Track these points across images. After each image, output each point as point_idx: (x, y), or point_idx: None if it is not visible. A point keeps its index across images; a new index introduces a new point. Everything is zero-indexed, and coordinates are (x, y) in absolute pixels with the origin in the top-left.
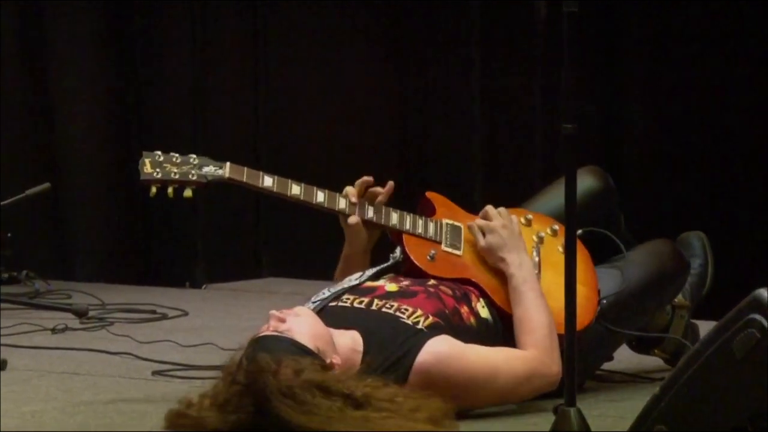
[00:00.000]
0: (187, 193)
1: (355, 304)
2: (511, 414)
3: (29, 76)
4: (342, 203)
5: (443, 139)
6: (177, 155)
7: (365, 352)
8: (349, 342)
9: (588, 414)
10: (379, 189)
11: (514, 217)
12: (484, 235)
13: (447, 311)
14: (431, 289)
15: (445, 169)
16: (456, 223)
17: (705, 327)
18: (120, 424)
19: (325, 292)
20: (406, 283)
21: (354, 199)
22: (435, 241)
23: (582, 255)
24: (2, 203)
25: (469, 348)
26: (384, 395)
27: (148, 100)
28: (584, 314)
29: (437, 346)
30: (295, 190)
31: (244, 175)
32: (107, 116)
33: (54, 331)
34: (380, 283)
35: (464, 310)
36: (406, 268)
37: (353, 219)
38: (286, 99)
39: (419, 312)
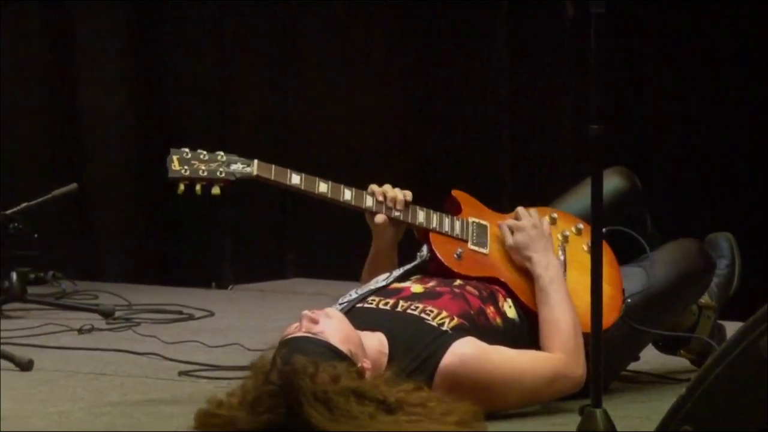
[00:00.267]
0: (215, 190)
1: (381, 306)
2: (537, 414)
3: (56, 77)
4: (369, 201)
5: (470, 139)
6: (204, 152)
7: (391, 354)
8: (376, 344)
9: (614, 415)
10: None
11: (545, 219)
12: (512, 233)
13: (472, 312)
14: (457, 290)
15: (472, 168)
16: (482, 222)
17: (732, 328)
18: (146, 425)
19: (353, 294)
20: (432, 284)
21: (381, 198)
22: (462, 240)
23: (607, 254)
24: (29, 204)
25: (494, 350)
26: (416, 400)
27: (175, 100)
28: (608, 313)
29: (463, 348)
30: (323, 187)
31: (272, 172)
32: (134, 117)
33: (81, 331)
34: (406, 284)
35: (490, 310)
36: (433, 267)
37: (380, 217)
38: (312, 96)
39: (444, 313)
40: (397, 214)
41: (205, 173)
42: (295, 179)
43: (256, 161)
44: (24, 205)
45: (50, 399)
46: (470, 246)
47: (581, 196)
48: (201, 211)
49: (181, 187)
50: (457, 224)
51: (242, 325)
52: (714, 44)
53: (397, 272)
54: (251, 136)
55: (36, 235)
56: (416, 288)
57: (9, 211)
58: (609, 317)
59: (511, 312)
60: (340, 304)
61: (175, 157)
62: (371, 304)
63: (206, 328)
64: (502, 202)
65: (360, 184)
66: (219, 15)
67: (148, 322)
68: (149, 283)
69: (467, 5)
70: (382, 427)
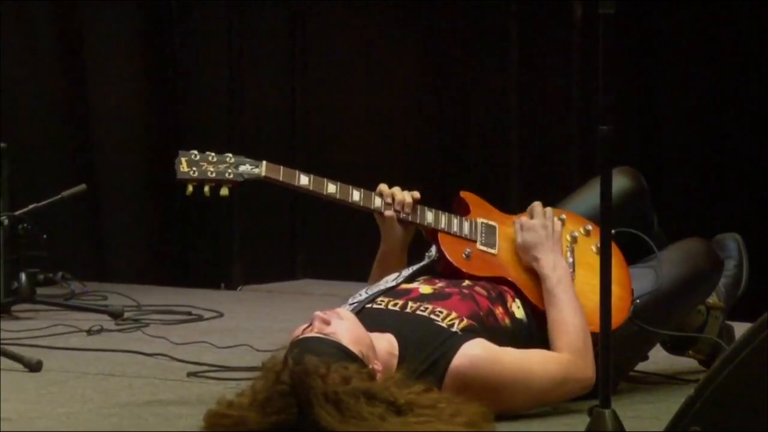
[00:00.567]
0: (224, 191)
1: (390, 307)
2: (545, 415)
3: (65, 78)
4: (377, 202)
5: (480, 138)
6: (213, 154)
7: (401, 356)
8: (386, 345)
9: (623, 415)
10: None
11: (558, 221)
12: (522, 231)
13: (481, 313)
14: (466, 291)
15: (480, 168)
16: (491, 222)
17: (740, 328)
18: (155, 426)
19: (362, 294)
20: (440, 284)
21: (389, 200)
22: (470, 240)
23: (615, 255)
24: (38, 205)
25: (504, 351)
26: (426, 401)
27: (185, 100)
28: (617, 314)
29: (472, 350)
30: (331, 188)
31: (281, 173)
32: (143, 118)
33: (89, 332)
34: (415, 285)
35: (499, 311)
36: (441, 267)
37: (389, 213)
38: (322, 94)
39: (454, 314)
40: (405, 215)
41: (214, 174)
42: (304, 180)
43: (264, 162)
44: (33, 206)
45: (59, 400)
46: (479, 246)
47: (588, 197)
48: (210, 212)
49: (190, 188)
50: (466, 225)
51: (251, 326)
52: (724, 44)
53: (405, 272)
54: (260, 135)
55: (45, 236)
56: (425, 289)
57: (18, 212)
58: (618, 318)
59: (519, 312)
60: (350, 304)
61: (183, 159)
62: (380, 305)
63: (215, 328)
64: (510, 202)
65: (368, 184)
66: (228, 14)
67: (157, 323)
68: (158, 283)
69: (476, 6)
70: (391, 428)
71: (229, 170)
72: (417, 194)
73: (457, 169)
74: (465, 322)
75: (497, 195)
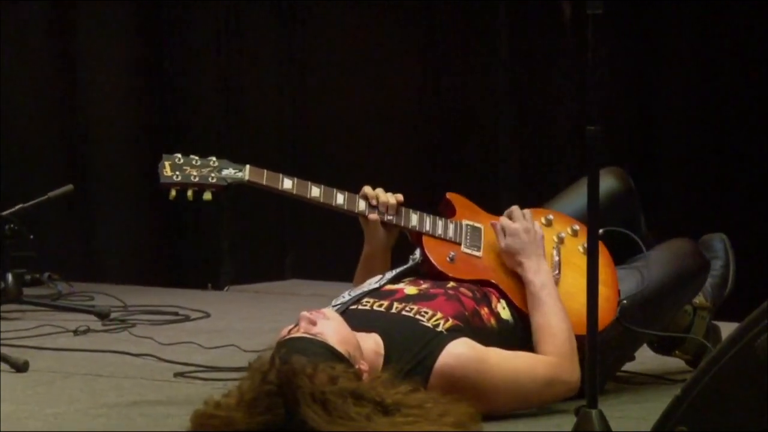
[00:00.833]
0: (207, 196)
1: (375, 308)
2: (532, 416)
3: (57, 77)
4: (362, 205)
5: (471, 139)
6: (196, 158)
7: (386, 355)
8: (372, 345)
9: (609, 415)
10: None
11: (536, 223)
12: (505, 236)
13: (466, 313)
14: (451, 291)
15: (472, 168)
16: (476, 225)
17: (727, 329)
18: (142, 426)
19: (346, 296)
20: (425, 285)
21: (374, 202)
22: (455, 243)
23: (603, 256)
24: (25, 205)
25: (490, 351)
26: (413, 401)
27: (177, 100)
28: (604, 314)
29: (458, 349)
30: (315, 192)
31: (264, 177)
32: (133, 118)
33: (76, 332)
34: (400, 286)
35: (484, 311)
36: (425, 270)
37: (373, 216)
38: (316, 94)
39: (439, 314)
40: (390, 217)
41: (197, 179)
42: (287, 184)
43: (248, 166)
44: (20, 206)
45: (46, 400)
46: (463, 249)
47: (576, 197)
48: (197, 212)
49: (173, 192)
50: (451, 227)
51: (238, 327)
52: (715, 46)
53: (389, 274)
54: (254, 134)
55: (32, 237)
56: (410, 290)
57: (5, 213)
58: (605, 318)
59: (505, 313)
60: (334, 306)
61: (166, 163)
62: (365, 305)
63: (202, 329)
64: (500, 202)
65: (359, 184)
66: (222, 14)
67: (143, 324)
68: (145, 284)
69: (467, 7)
70: (378, 428)
71: (213, 174)
72: (400, 196)
73: (448, 168)
74: (450, 322)
75: (488, 195)
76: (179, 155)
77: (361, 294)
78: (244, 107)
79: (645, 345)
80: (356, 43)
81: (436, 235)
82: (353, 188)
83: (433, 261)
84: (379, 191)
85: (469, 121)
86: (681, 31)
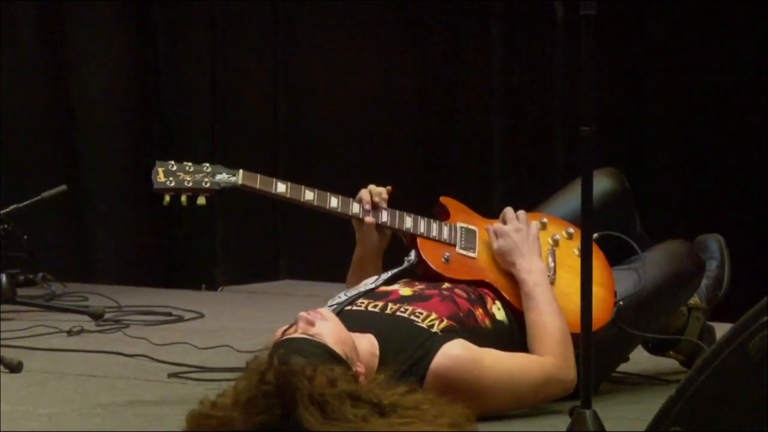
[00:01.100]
0: (201, 200)
1: (370, 308)
2: (526, 416)
3: (49, 77)
4: (356, 208)
5: (463, 140)
6: (190, 164)
7: (381, 356)
8: (367, 346)
9: (604, 416)
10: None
11: (533, 223)
12: (497, 237)
13: (461, 314)
14: (445, 292)
15: (465, 170)
16: (470, 227)
17: (721, 329)
18: (136, 426)
19: (341, 296)
20: (420, 287)
21: (368, 206)
22: (449, 244)
23: (598, 257)
24: (18, 206)
25: (484, 352)
26: (410, 402)
27: (169, 101)
28: (600, 315)
29: (453, 350)
30: (309, 195)
31: (258, 182)
32: (127, 119)
33: (70, 333)
34: (395, 287)
35: (479, 312)
36: (421, 271)
37: (369, 219)
38: (308, 95)
39: (434, 315)
40: (384, 219)
41: (191, 183)
42: (281, 188)
43: (241, 171)
44: (13, 207)
45: (40, 401)
46: (458, 250)
47: (570, 198)
48: (191, 213)
49: (167, 198)
50: (445, 229)
51: (232, 327)
52: (709, 45)
53: (385, 275)
54: (244, 133)
55: (26, 237)
56: (405, 291)
57: None
58: (601, 318)
59: (500, 314)
60: (329, 306)
61: (160, 169)
62: (360, 306)
63: (196, 329)
64: (494, 203)
65: (351, 188)
66: (214, 12)
67: (137, 324)
68: (139, 284)
69: (461, 6)
70: (374, 429)
71: (206, 179)
72: (389, 188)
73: (442, 172)
74: (445, 322)
75: (481, 197)
76: (172, 162)
77: (356, 295)
78: (236, 108)
79: (640, 345)
80: (349, 46)
81: (431, 236)
82: (346, 190)
83: (428, 262)
84: (371, 186)
85: (461, 121)
86: (674, 29)
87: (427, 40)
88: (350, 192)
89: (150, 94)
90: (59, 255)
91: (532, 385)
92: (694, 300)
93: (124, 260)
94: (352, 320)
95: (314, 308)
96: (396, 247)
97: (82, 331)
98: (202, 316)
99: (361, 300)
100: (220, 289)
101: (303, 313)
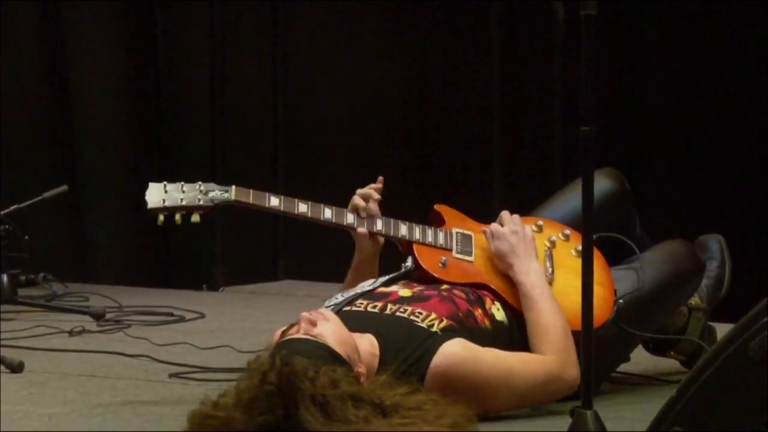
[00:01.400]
0: (195, 218)
1: (369, 309)
2: (527, 416)
3: (48, 77)
4: (350, 218)
5: (462, 141)
6: (183, 183)
7: (381, 356)
8: (367, 346)
9: (605, 416)
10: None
11: (528, 227)
12: (494, 239)
13: (460, 314)
14: (444, 293)
15: (463, 171)
16: (466, 232)
17: (722, 330)
18: (137, 426)
19: (338, 297)
20: (419, 288)
21: (363, 213)
22: (446, 249)
23: (597, 257)
24: (19, 206)
25: (485, 351)
26: (412, 403)
27: (168, 101)
28: (600, 313)
29: (452, 349)
30: (302, 208)
31: (251, 196)
32: (126, 120)
33: (71, 333)
34: (393, 288)
35: (478, 312)
36: (418, 276)
37: (362, 230)
38: (305, 96)
39: (433, 315)
40: (378, 228)
41: (184, 202)
42: (274, 202)
43: (233, 187)
44: (14, 207)
45: (41, 401)
46: (455, 254)
47: (570, 199)
48: None
49: (161, 218)
50: (441, 235)
51: (233, 327)
52: (707, 45)
53: (382, 279)
54: (243, 135)
55: (27, 237)
56: (404, 292)
57: None
58: (601, 317)
59: (499, 315)
60: (326, 306)
61: (153, 190)
62: (359, 307)
63: (197, 329)
64: (493, 204)
65: (347, 193)
66: (213, 13)
67: (138, 324)
68: (140, 285)
69: (460, 7)
70: (376, 430)
71: (199, 197)
72: (380, 182)
73: (440, 169)
74: (445, 322)
75: (480, 197)
76: (165, 182)
77: (354, 296)
78: (236, 108)
79: (640, 345)
80: (348, 47)
81: (427, 242)
82: (346, 191)
83: (425, 267)
84: (360, 192)
85: (459, 121)
86: (674, 29)
87: (426, 40)
88: (350, 192)
89: (150, 94)
90: (60, 255)
91: (534, 384)
92: (695, 300)
93: (125, 260)
94: (352, 320)
95: (315, 308)
96: (394, 254)
97: (83, 331)
98: (203, 316)
99: (360, 301)
100: (220, 289)
101: (305, 314)
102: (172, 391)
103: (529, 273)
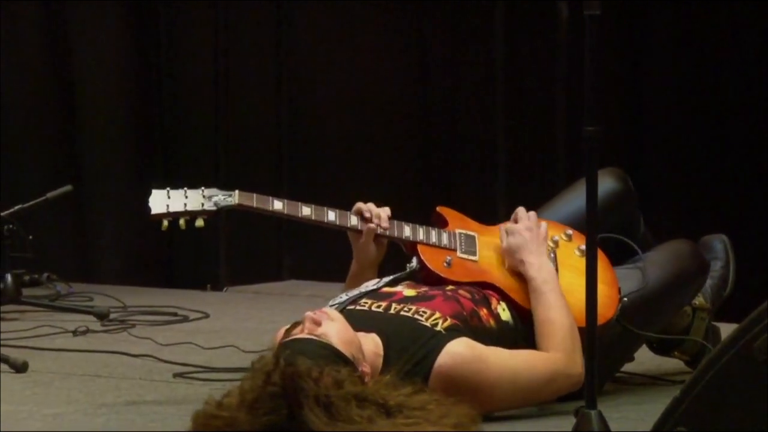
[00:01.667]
0: (199, 222)
1: (373, 308)
2: (531, 416)
3: (52, 78)
4: (353, 220)
5: (466, 142)
6: (186, 189)
7: (386, 355)
8: (371, 345)
9: (609, 416)
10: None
11: (543, 224)
12: (507, 235)
13: (465, 313)
14: (449, 293)
15: (467, 171)
16: (469, 233)
17: (726, 330)
18: (141, 426)
19: (342, 296)
20: (424, 288)
21: (368, 214)
22: (450, 249)
23: (601, 257)
24: (23, 206)
25: (489, 350)
26: (416, 403)
27: (172, 102)
28: (604, 311)
29: (457, 348)
30: (306, 211)
31: (254, 200)
32: (130, 119)
33: (75, 333)
34: (398, 288)
35: (483, 312)
36: (423, 276)
37: (370, 227)
38: (308, 90)
39: (438, 314)
40: (382, 230)
41: (188, 207)
42: (278, 205)
43: (237, 191)
44: (18, 207)
45: (45, 401)
46: (459, 254)
47: (573, 199)
48: None
49: (165, 223)
50: (444, 236)
51: (237, 327)
52: (710, 45)
53: (387, 278)
54: (246, 137)
55: (31, 237)
56: (408, 292)
57: (3, 213)
58: (605, 315)
59: (504, 314)
60: (330, 305)
61: (156, 196)
62: (363, 306)
63: (201, 329)
64: (496, 204)
65: (351, 198)
66: (216, 14)
67: (142, 324)
68: (144, 284)
69: (463, 7)
70: (379, 430)
71: (203, 202)
72: (388, 209)
73: (443, 170)
74: (449, 321)
75: (483, 197)
76: (168, 188)
77: (358, 295)
78: (239, 109)
79: (644, 345)
80: (350, 48)
81: (431, 243)
82: (348, 191)
83: (430, 266)
84: (371, 205)
85: (463, 122)
86: (675, 29)
87: (429, 41)
88: (353, 193)
89: (153, 95)
90: (64, 255)
91: (539, 381)
92: (699, 300)
93: (129, 260)
94: (356, 320)
95: (319, 308)
96: (396, 256)
97: (87, 331)
98: (207, 316)
99: (364, 300)
100: (224, 289)
101: (309, 313)
102: (176, 391)
103: (541, 269)
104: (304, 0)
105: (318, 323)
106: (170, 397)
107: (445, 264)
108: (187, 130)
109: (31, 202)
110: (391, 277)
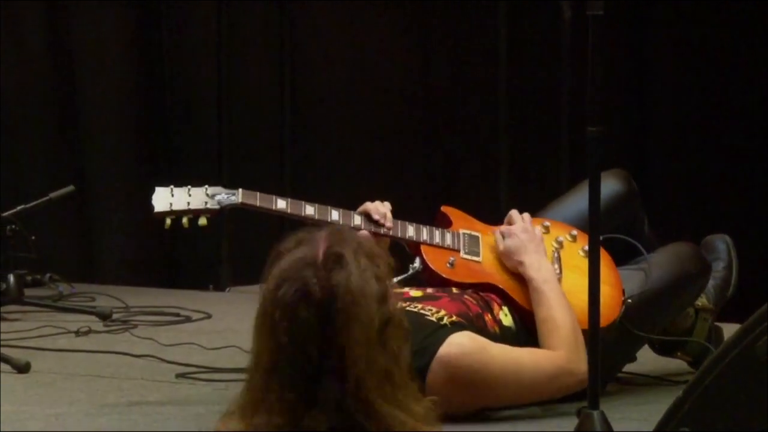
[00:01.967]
0: (202, 221)
1: None
2: (533, 417)
3: (54, 77)
4: (357, 220)
5: (468, 142)
6: (189, 187)
7: None
8: None
9: (611, 417)
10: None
11: (536, 226)
12: (504, 238)
13: (471, 314)
14: (455, 295)
15: (470, 171)
16: (473, 233)
17: (729, 330)
18: (144, 426)
19: None
20: (430, 290)
21: (377, 216)
22: (453, 249)
23: (604, 257)
24: (26, 206)
25: (492, 344)
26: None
27: (174, 101)
28: (608, 312)
29: (460, 339)
30: (309, 210)
31: (258, 199)
32: (133, 119)
33: (78, 333)
34: (404, 289)
35: (488, 317)
36: (426, 277)
37: (375, 230)
38: (312, 90)
39: (443, 311)
40: (386, 230)
41: (191, 206)
42: (281, 204)
43: (240, 190)
44: (21, 207)
45: (48, 401)
46: (462, 255)
47: (577, 200)
48: None
49: (168, 221)
50: (448, 236)
51: (240, 327)
52: (713, 46)
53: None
54: (249, 136)
55: (33, 238)
56: (415, 292)
57: (6, 214)
58: (609, 315)
59: (507, 320)
60: None
61: (160, 194)
62: None
63: (204, 330)
64: (499, 203)
65: (354, 196)
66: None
67: (145, 324)
68: (146, 285)
69: (466, 7)
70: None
71: (206, 200)
72: (388, 204)
73: (447, 169)
74: (455, 317)
75: (486, 197)
76: (172, 186)
77: None
78: (242, 109)
79: (646, 346)
80: (353, 46)
81: (434, 243)
82: (351, 190)
83: (433, 267)
84: (377, 204)
85: (466, 122)
86: (679, 29)
87: (433, 41)
88: (357, 192)
89: (156, 95)
90: (67, 255)
91: (543, 377)
92: (702, 301)
93: (132, 261)
94: None
95: None
96: (402, 256)
97: (89, 331)
98: (209, 316)
99: None
100: (227, 289)
101: None
102: (178, 391)
103: (540, 268)
104: (308, 0)
105: None
106: (172, 397)
107: (448, 265)
108: (190, 129)
109: (34, 203)
110: (395, 279)
